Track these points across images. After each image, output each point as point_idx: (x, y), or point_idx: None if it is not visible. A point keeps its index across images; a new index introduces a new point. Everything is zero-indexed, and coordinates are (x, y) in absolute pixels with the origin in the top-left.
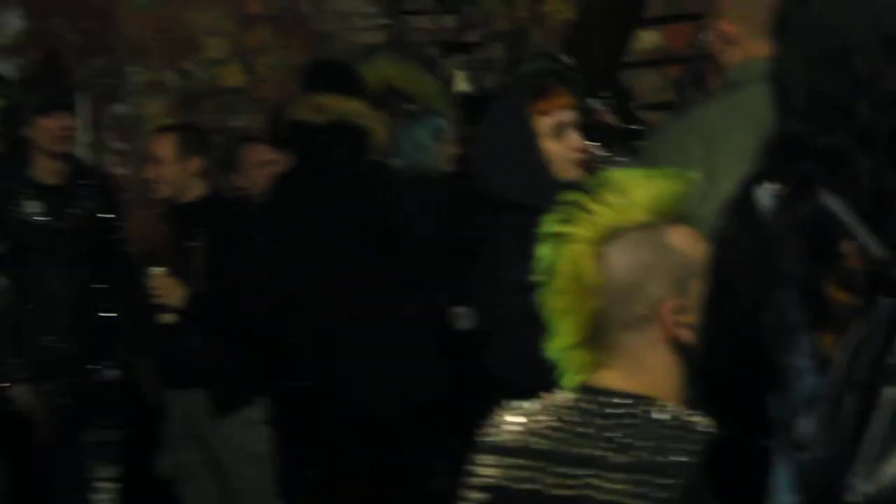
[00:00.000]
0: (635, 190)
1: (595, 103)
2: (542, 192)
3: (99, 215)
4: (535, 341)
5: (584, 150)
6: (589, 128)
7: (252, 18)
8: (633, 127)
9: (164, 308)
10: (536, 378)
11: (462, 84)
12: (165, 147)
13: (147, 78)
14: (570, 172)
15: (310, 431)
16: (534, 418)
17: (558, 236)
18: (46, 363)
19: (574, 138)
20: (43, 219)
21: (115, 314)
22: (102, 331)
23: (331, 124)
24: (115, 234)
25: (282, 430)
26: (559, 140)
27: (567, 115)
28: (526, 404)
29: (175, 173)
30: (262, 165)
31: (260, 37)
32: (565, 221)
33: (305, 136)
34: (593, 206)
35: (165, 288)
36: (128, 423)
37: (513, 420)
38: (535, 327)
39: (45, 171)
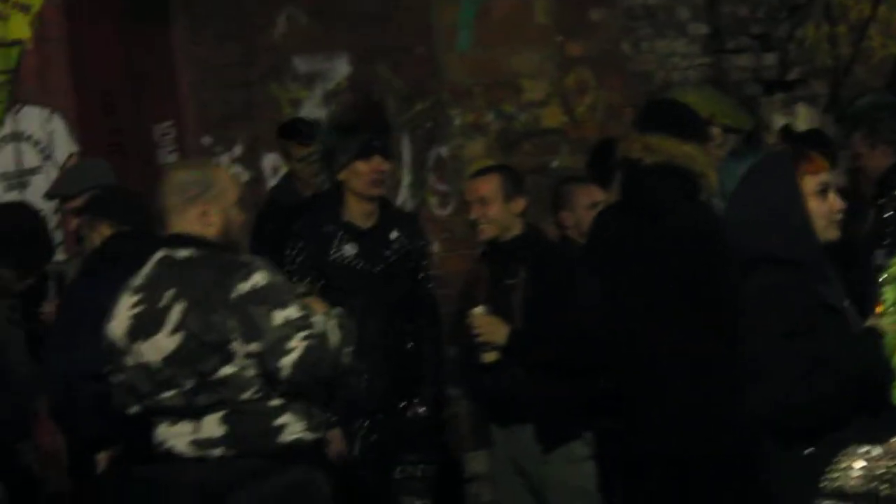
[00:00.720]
0: None
1: None
2: (807, 249)
3: (409, 257)
4: (801, 388)
5: (840, 211)
6: None
7: (571, 60)
8: None
9: (486, 346)
10: (800, 424)
11: (805, 120)
12: (490, 187)
13: (468, 120)
14: (831, 233)
15: (629, 471)
16: (876, 463)
17: None
18: (359, 402)
19: (835, 199)
20: (358, 261)
21: (422, 353)
22: (411, 369)
23: (660, 166)
24: (424, 275)
25: (604, 467)
26: (822, 200)
27: (830, 177)
28: (868, 448)
29: (500, 213)
30: (592, 206)
31: (579, 78)
32: None
33: (634, 174)
34: None
35: (487, 326)
36: (436, 460)
37: (856, 465)
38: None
39: (359, 214)
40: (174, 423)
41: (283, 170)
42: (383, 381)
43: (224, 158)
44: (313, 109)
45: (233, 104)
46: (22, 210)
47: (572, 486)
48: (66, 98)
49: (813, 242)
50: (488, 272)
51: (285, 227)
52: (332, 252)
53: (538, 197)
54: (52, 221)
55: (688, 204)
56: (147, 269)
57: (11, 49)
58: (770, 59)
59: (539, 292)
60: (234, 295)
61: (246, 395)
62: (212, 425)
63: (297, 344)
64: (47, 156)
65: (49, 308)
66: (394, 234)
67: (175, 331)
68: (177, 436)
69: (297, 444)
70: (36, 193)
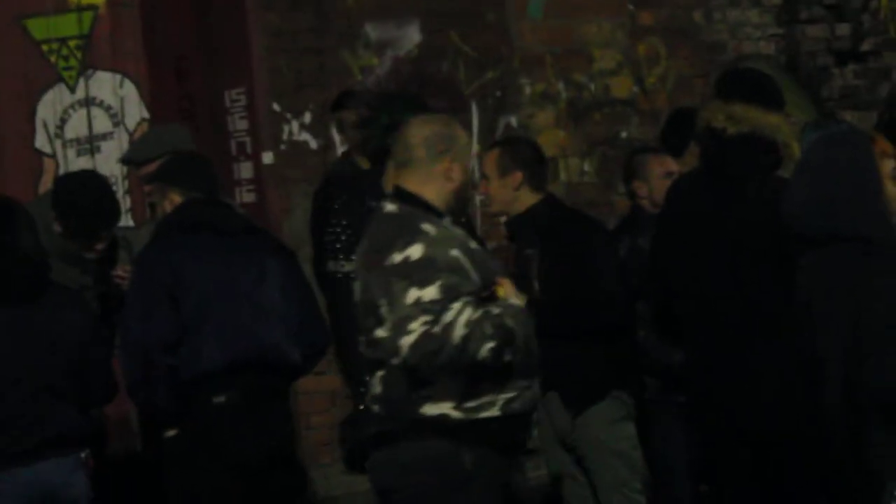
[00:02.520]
0: None
1: None
2: (885, 228)
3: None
4: None
5: None
6: None
7: (643, 29)
8: None
9: None
10: None
11: None
12: (490, 164)
13: (538, 89)
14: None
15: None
16: None
17: None
18: None
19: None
20: None
21: None
22: None
23: (744, 135)
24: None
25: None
26: (893, 184)
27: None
28: None
29: (497, 189)
30: (666, 176)
31: (650, 47)
32: None
33: (717, 144)
34: None
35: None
36: None
37: None
38: None
39: None
40: (366, 373)
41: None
42: None
43: (294, 125)
44: (384, 76)
45: (304, 71)
46: (87, 178)
47: (609, 447)
48: (138, 64)
49: (888, 223)
50: (508, 244)
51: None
52: None
53: (606, 167)
54: (123, 188)
55: (772, 174)
56: (373, 215)
57: (84, 14)
58: (843, 29)
59: (555, 260)
60: (388, 262)
61: (396, 361)
62: (377, 382)
63: (417, 328)
64: (118, 121)
65: (121, 272)
66: None
67: (358, 283)
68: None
69: (439, 419)
70: (107, 159)
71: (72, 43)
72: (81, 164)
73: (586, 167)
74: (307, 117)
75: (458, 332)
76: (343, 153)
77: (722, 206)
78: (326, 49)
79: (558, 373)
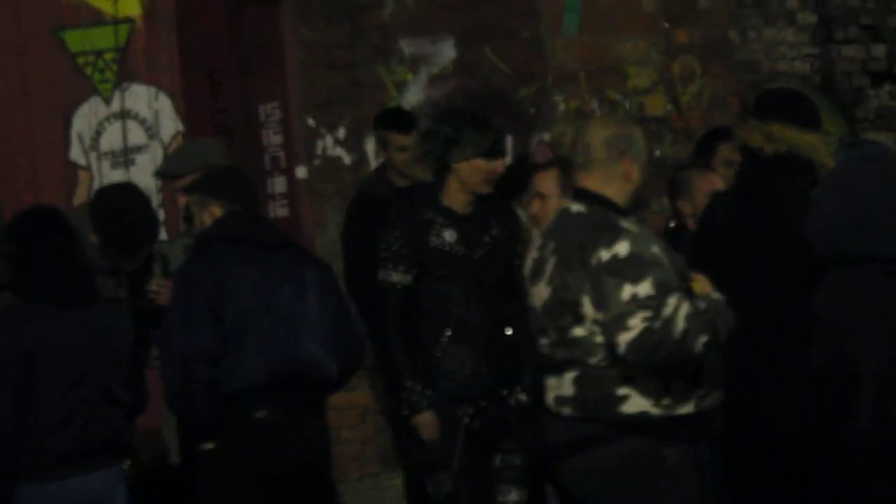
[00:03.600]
0: None
1: None
2: None
3: (506, 244)
4: None
5: None
6: None
7: (678, 48)
8: None
9: None
10: None
11: None
12: (550, 183)
13: (572, 106)
14: None
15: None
16: None
17: None
18: (464, 389)
19: None
20: (458, 247)
21: (519, 339)
22: (511, 355)
23: (780, 155)
24: (519, 262)
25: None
26: None
27: None
28: None
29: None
30: (713, 193)
31: (685, 65)
32: None
33: (754, 163)
34: None
35: None
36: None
37: None
38: None
39: (459, 202)
40: (546, 375)
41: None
42: (486, 368)
43: (328, 140)
44: (418, 92)
45: (338, 86)
46: (127, 191)
47: None
48: (173, 77)
49: None
50: None
51: (378, 219)
52: (432, 238)
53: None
54: (157, 200)
55: (808, 193)
56: (555, 216)
57: (120, 27)
58: (879, 50)
59: None
60: (593, 260)
61: (593, 360)
62: (567, 384)
63: (636, 324)
64: (153, 134)
65: (155, 287)
66: (491, 221)
67: (548, 283)
68: (547, 389)
69: (640, 417)
70: (141, 171)
71: (107, 56)
72: (116, 176)
73: None
74: (341, 132)
75: (679, 326)
76: (376, 169)
77: (758, 224)
78: (360, 64)
79: None
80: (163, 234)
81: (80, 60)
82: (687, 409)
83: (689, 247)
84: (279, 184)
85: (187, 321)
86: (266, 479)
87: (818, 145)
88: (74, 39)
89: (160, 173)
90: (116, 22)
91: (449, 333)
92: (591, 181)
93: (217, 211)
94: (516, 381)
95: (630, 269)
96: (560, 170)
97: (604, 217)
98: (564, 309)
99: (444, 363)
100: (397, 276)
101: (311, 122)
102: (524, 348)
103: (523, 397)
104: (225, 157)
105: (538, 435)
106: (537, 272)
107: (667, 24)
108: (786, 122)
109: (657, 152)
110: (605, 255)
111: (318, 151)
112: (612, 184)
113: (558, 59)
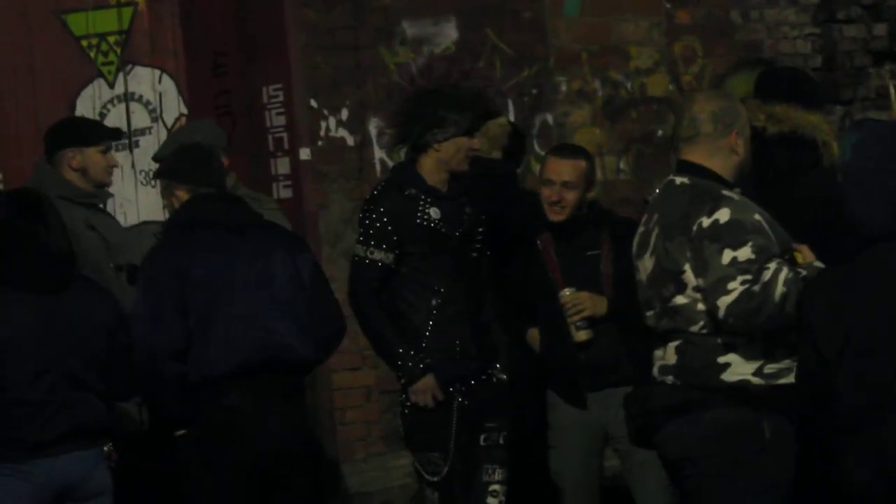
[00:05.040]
0: None
1: None
2: None
3: (478, 224)
4: None
5: None
6: None
7: (680, 28)
8: None
9: (580, 324)
10: None
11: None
12: (577, 174)
13: (575, 87)
14: None
15: None
16: None
17: None
18: (451, 369)
19: None
20: (441, 224)
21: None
22: (490, 335)
23: (785, 135)
24: (485, 243)
25: None
26: None
27: None
28: None
29: (578, 200)
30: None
31: (687, 46)
32: None
33: (758, 144)
34: None
35: (587, 302)
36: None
37: None
38: None
39: (439, 180)
40: (655, 345)
41: (390, 133)
42: (473, 347)
43: (331, 122)
44: (421, 73)
45: (341, 67)
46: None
47: None
48: (177, 59)
49: None
50: (555, 243)
51: None
52: (417, 215)
53: (642, 165)
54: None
55: (813, 172)
56: (658, 190)
57: (124, 10)
58: (880, 29)
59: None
60: (695, 227)
61: (695, 328)
62: (670, 353)
63: (736, 287)
64: (156, 117)
65: None
66: (464, 200)
67: (651, 254)
68: (653, 360)
69: (741, 386)
70: (145, 154)
71: (111, 38)
72: (119, 158)
73: (622, 165)
74: (344, 114)
75: (778, 290)
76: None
77: (763, 205)
78: (363, 46)
79: (636, 366)
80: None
81: (84, 43)
82: (787, 379)
83: None
84: (282, 165)
85: (153, 315)
86: (241, 465)
87: (820, 124)
88: (78, 22)
89: (154, 158)
90: (120, 5)
91: (435, 313)
92: (696, 154)
93: (183, 195)
94: (495, 361)
95: (730, 234)
96: (589, 163)
97: (707, 187)
98: (667, 278)
99: (432, 343)
100: (379, 255)
101: (314, 103)
102: (497, 328)
103: (503, 376)
104: (215, 137)
105: (641, 403)
106: (643, 245)
107: (668, 5)
108: (788, 102)
109: (660, 132)
110: (705, 221)
111: (322, 133)
112: (717, 157)
113: (560, 40)
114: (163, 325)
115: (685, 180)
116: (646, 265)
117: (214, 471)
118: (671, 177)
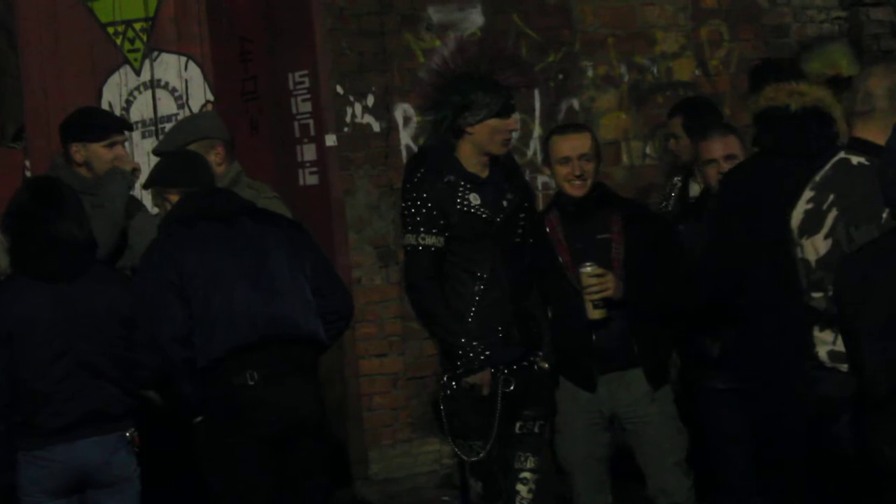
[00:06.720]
0: None
1: None
2: None
3: (520, 209)
4: None
5: None
6: None
7: (706, 12)
8: None
9: (597, 303)
10: None
11: None
12: (591, 144)
13: (600, 72)
14: None
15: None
16: None
17: None
18: (495, 354)
19: None
20: (482, 210)
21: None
22: (533, 322)
23: (806, 110)
24: (533, 227)
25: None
26: None
27: None
28: None
29: (595, 171)
30: (728, 158)
31: (713, 30)
32: None
33: (778, 120)
34: None
35: (602, 281)
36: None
37: None
38: None
39: (477, 165)
40: (822, 328)
41: (417, 120)
42: (516, 333)
43: (357, 108)
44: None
45: (367, 53)
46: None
47: (676, 425)
48: (203, 46)
49: None
50: (564, 226)
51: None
52: (457, 201)
53: (668, 150)
54: None
55: (828, 145)
56: (825, 168)
57: None
58: None
59: (638, 242)
60: (884, 213)
61: None
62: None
63: None
64: (183, 103)
65: None
66: (506, 185)
67: (827, 235)
68: (821, 343)
69: None
70: None
71: (137, 25)
72: (146, 145)
73: (648, 150)
74: (370, 100)
75: None
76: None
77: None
78: (389, 32)
79: (647, 349)
80: None
81: (111, 30)
82: None
83: (712, 205)
84: (308, 151)
85: (155, 307)
86: (255, 441)
87: (832, 101)
88: (104, 9)
89: (154, 152)
90: None
91: (478, 298)
92: (869, 131)
93: (174, 198)
94: (538, 348)
95: None
96: (592, 133)
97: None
98: None
99: (475, 328)
100: (431, 239)
101: (339, 89)
102: (541, 316)
103: (545, 365)
104: (215, 130)
105: (810, 387)
106: (814, 224)
107: None
108: (803, 79)
109: None
110: None
111: (348, 119)
112: (887, 131)
113: (586, 25)
114: (165, 316)
115: (863, 160)
116: (817, 246)
117: (229, 446)
118: (844, 154)
